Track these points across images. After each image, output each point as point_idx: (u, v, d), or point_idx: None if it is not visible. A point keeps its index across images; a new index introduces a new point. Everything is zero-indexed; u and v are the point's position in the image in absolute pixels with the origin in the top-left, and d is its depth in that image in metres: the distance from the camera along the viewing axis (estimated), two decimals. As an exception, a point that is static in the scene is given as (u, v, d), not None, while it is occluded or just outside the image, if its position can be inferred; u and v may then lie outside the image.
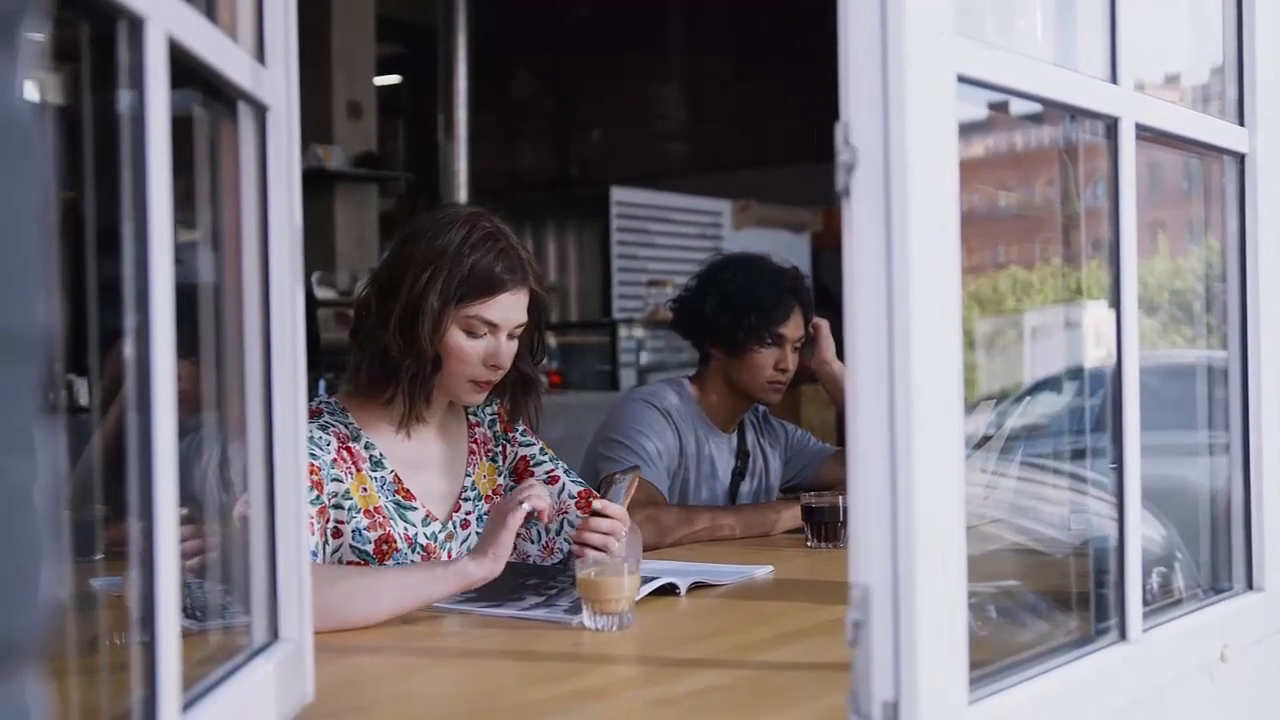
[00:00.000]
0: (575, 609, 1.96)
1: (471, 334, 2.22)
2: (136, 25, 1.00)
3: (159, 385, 1.02)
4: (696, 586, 2.24)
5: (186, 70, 1.13)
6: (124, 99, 1.02)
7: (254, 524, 1.39)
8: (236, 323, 1.38)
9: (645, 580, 2.08)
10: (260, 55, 1.37)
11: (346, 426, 2.26)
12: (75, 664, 1.22)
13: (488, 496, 2.40)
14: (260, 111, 1.37)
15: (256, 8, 1.37)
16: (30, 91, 0.60)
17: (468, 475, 2.39)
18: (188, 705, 1.10)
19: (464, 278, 2.19)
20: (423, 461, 2.34)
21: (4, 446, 0.57)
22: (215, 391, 1.40)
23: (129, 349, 1.01)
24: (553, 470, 2.43)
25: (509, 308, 2.24)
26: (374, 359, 2.24)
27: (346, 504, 2.19)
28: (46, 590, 0.60)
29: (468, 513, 2.37)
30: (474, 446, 2.42)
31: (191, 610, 1.34)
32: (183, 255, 1.15)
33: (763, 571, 2.41)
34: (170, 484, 1.03)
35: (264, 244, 1.38)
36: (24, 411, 0.58)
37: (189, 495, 1.17)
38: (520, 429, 2.46)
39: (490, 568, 1.98)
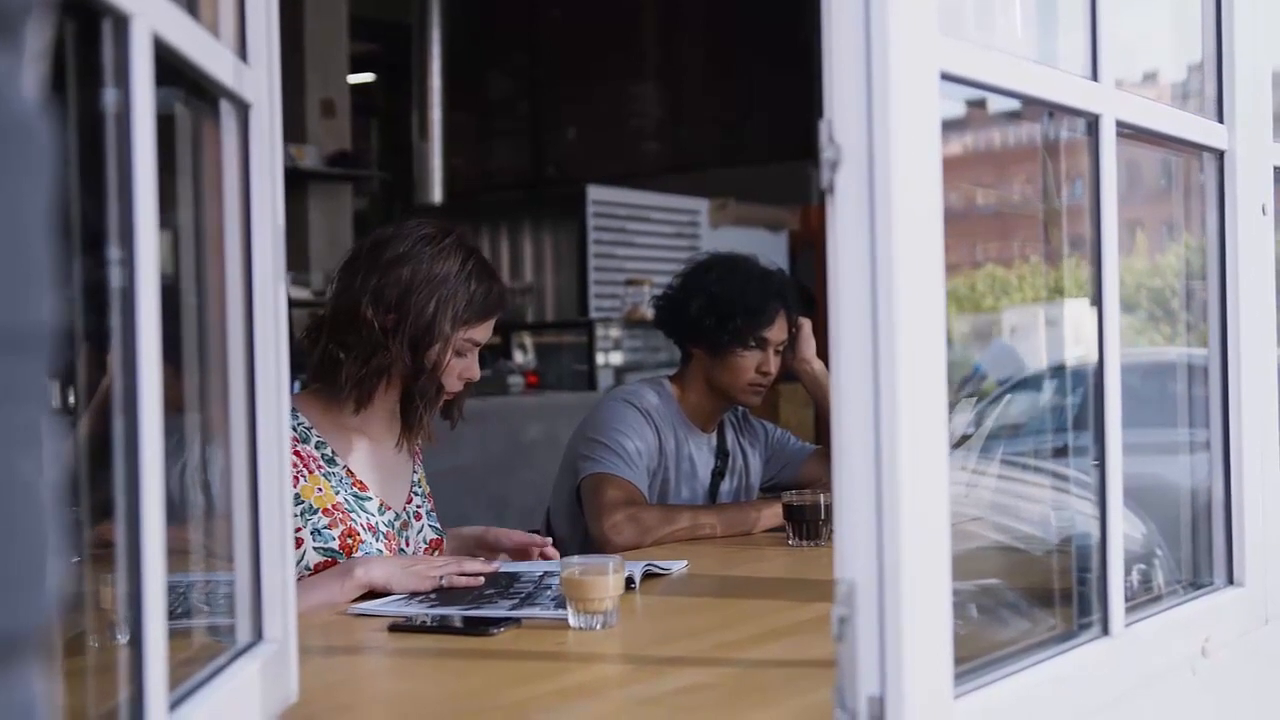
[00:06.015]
0: (561, 604, 1.96)
1: (459, 354, 2.37)
2: (121, 23, 0.99)
3: (145, 386, 1.01)
4: (649, 576, 2.29)
5: (168, 67, 1.12)
6: (108, 96, 1.02)
7: (238, 525, 1.39)
8: (218, 323, 1.37)
9: None
10: (243, 53, 1.37)
11: (295, 428, 2.29)
12: (58, 664, 1.21)
13: (429, 495, 2.54)
14: (243, 109, 1.36)
15: (238, 5, 1.37)
16: (34, 89, 0.60)
17: (415, 472, 2.51)
18: (174, 705, 1.10)
19: (468, 304, 2.34)
20: (375, 458, 2.42)
21: (12, 442, 0.58)
22: (196, 393, 1.40)
23: (114, 350, 1.00)
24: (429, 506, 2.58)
25: (491, 328, 2.43)
26: (376, 375, 2.32)
27: (299, 508, 2.23)
28: (53, 585, 0.61)
29: (418, 506, 2.49)
30: (415, 448, 2.53)
31: (172, 609, 1.33)
32: (163, 255, 1.15)
33: (679, 566, 2.43)
34: (156, 484, 1.03)
35: (246, 243, 1.38)
36: (31, 407, 0.59)
37: (168, 496, 1.17)
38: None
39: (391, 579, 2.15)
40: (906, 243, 1.19)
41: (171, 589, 1.17)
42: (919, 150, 1.22)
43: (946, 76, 1.27)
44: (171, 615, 1.11)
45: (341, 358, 2.31)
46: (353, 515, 2.31)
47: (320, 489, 2.29)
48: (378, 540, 2.33)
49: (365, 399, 2.34)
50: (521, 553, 2.48)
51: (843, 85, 1.20)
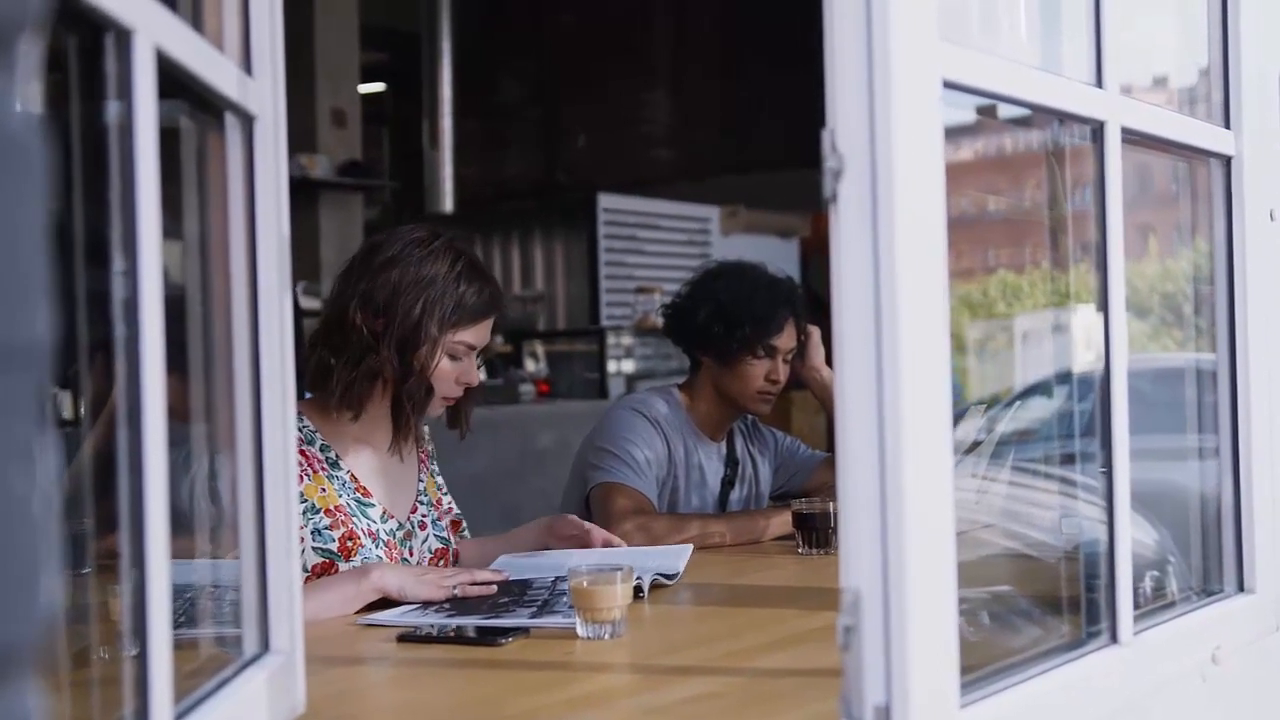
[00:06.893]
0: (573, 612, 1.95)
1: (453, 357, 2.36)
2: (124, 37, 1.00)
3: (149, 398, 1.02)
4: (656, 585, 2.28)
5: (173, 80, 1.13)
6: (111, 110, 1.02)
7: (244, 537, 1.39)
8: (224, 335, 1.38)
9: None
10: (247, 65, 1.37)
11: (301, 430, 2.30)
12: (66, 676, 1.22)
13: (436, 503, 2.53)
14: (247, 122, 1.37)
15: (243, 18, 1.37)
16: (28, 104, 0.61)
17: (420, 481, 2.51)
18: (180, 716, 1.10)
19: (456, 305, 2.32)
20: (379, 467, 2.42)
21: (4, 456, 0.58)
22: (203, 404, 1.40)
23: (119, 362, 1.01)
24: (450, 503, 2.60)
25: (487, 331, 2.40)
26: (366, 379, 2.32)
27: (301, 506, 2.24)
28: (46, 599, 0.61)
29: (423, 515, 2.48)
30: (422, 456, 2.53)
31: (178, 619, 1.33)
32: (169, 266, 1.15)
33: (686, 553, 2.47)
34: (160, 496, 1.03)
35: (251, 255, 1.38)
36: (24, 422, 0.59)
37: (177, 508, 1.17)
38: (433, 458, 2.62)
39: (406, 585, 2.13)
40: (909, 251, 1.19)
41: (178, 594, 1.17)
42: (921, 158, 1.22)
43: (949, 84, 1.27)
44: (177, 624, 1.11)
45: (332, 363, 2.31)
46: (354, 519, 2.31)
47: (324, 489, 2.30)
48: (378, 547, 2.33)
49: (356, 404, 2.32)
50: (580, 541, 2.50)
51: (845, 94, 1.20)
